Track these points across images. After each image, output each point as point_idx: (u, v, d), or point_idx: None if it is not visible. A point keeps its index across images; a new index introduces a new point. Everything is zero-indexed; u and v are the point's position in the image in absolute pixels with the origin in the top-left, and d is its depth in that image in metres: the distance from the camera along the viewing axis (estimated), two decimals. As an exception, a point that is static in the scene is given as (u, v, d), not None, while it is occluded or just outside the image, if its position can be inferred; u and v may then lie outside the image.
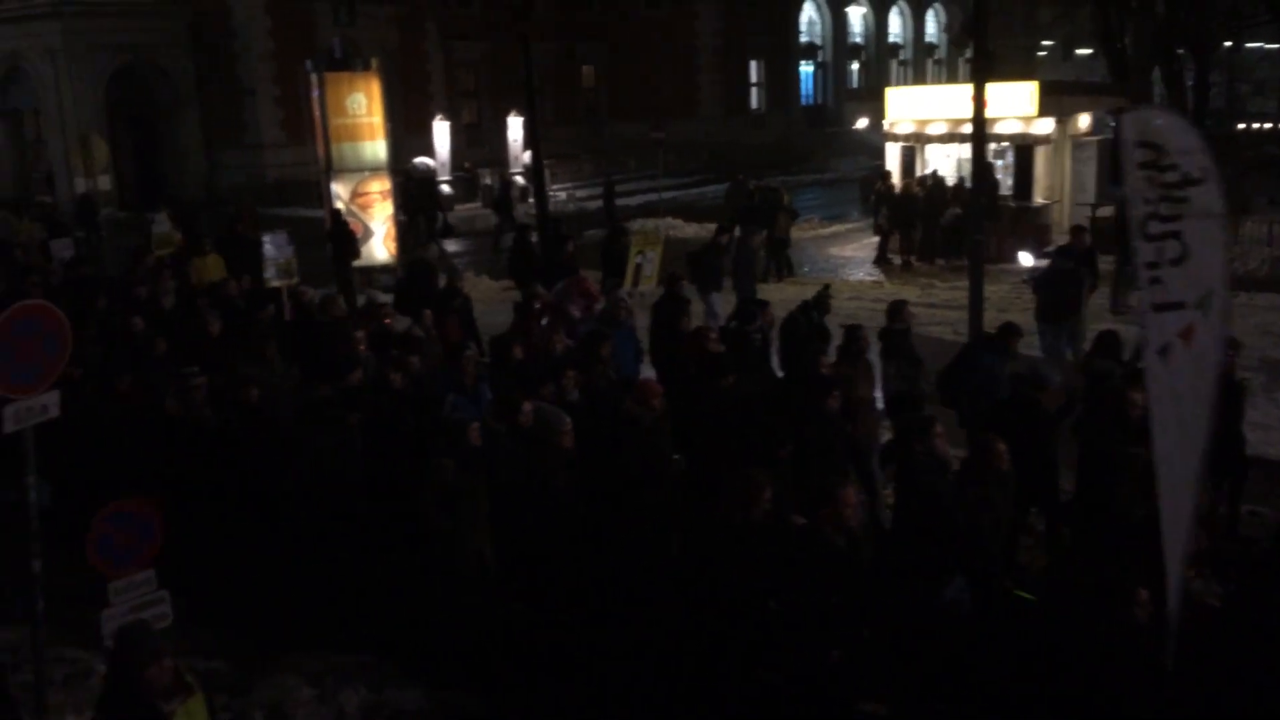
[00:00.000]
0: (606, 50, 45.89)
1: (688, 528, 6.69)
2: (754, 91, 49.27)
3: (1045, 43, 52.12)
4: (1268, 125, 41.81)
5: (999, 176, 21.91)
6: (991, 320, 13.26)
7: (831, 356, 9.28)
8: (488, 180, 32.87)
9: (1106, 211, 21.16)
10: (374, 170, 19.82)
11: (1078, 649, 4.85)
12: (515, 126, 33.16)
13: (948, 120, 22.77)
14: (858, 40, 53.74)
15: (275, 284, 14.36)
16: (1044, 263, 15.26)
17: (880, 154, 25.75)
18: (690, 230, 25.75)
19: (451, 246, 25.67)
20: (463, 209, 30.96)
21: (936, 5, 56.71)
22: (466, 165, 34.18)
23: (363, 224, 19.35)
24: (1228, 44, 34.01)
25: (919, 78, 53.96)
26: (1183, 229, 4.66)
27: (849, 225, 27.68)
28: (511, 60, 24.78)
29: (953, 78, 50.93)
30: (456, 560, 6.48)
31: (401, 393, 8.31)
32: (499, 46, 36.36)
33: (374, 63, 20.34)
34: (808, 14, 50.96)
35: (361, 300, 14.46)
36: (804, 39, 50.93)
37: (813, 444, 7.25)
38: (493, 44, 38.27)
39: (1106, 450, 6.90)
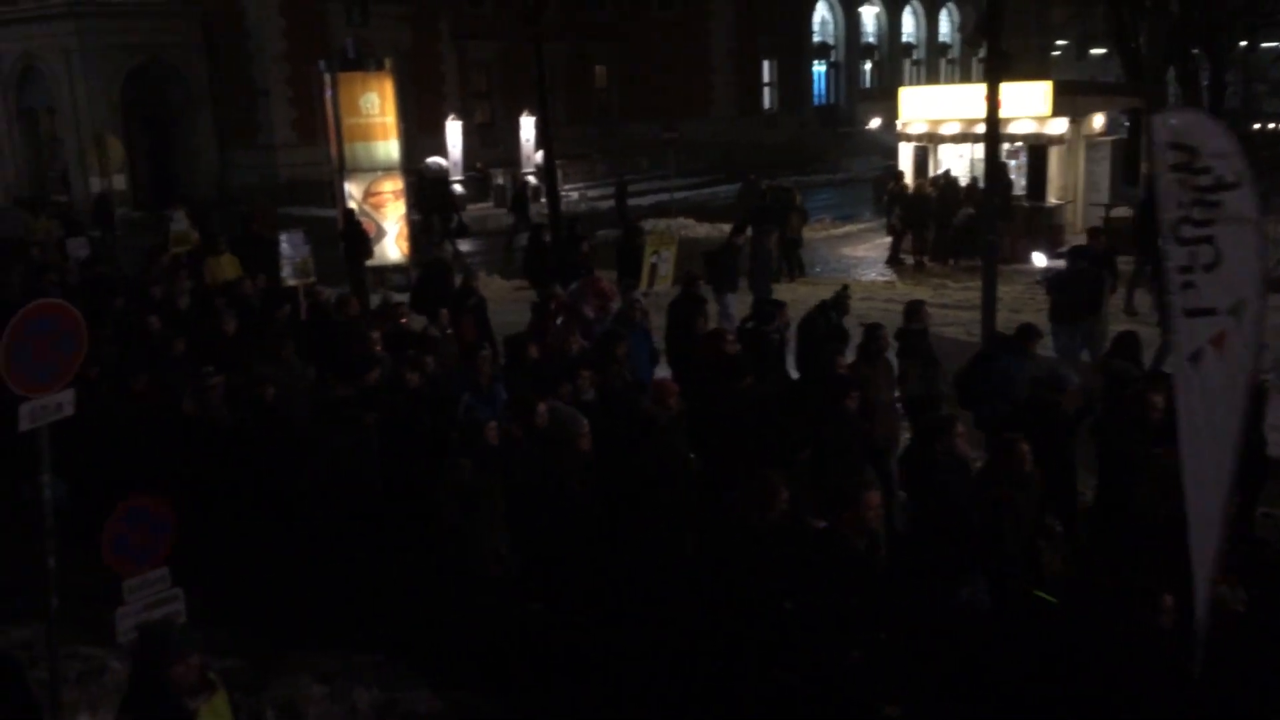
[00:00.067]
0: (619, 50, 45.87)
1: (703, 528, 6.66)
2: (766, 91, 49.19)
3: (1059, 42, 52.00)
4: (1284, 125, 41.55)
5: (1013, 176, 21.83)
6: (1004, 321, 13.21)
7: (849, 357, 9.23)
8: (500, 180, 32.90)
9: (1121, 212, 21.11)
10: (387, 170, 19.86)
11: (1100, 654, 4.81)
12: (528, 126, 33.16)
13: (961, 120, 22.71)
14: (871, 40, 53.63)
15: (291, 283, 14.39)
16: (1058, 263, 15.19)
17: (893, 154, 25.72)
18: (702, 230, 25.73)
19: (464, 246, 25.68)
20: (475, 209, 30.99)
21: (950, 5, 56.57)
22: (479, 165, 34.20)
23: (375, 223, 19.39)
24: (1243, 43, 33.82)
25: (932, 77, 53.83)
26: (1216, 234, 4.60)
27: (861, 225, 27.62)
28: (524, 60, 24.81)
29: (966, 77, 50.79)
30: (472, 560, 6.47)
31: (418, 392, 8.31)
32: (511, 47, 36.37)
33: (387, 63, 20.37)
34: (821, 14, 50.88)
35: (377, 300, 14.47)
36: (817, 39, 50.85)
37: (830, 444, 7.21)
38: (505, 44, 38.28)
39: (1126, 452, 6.85)
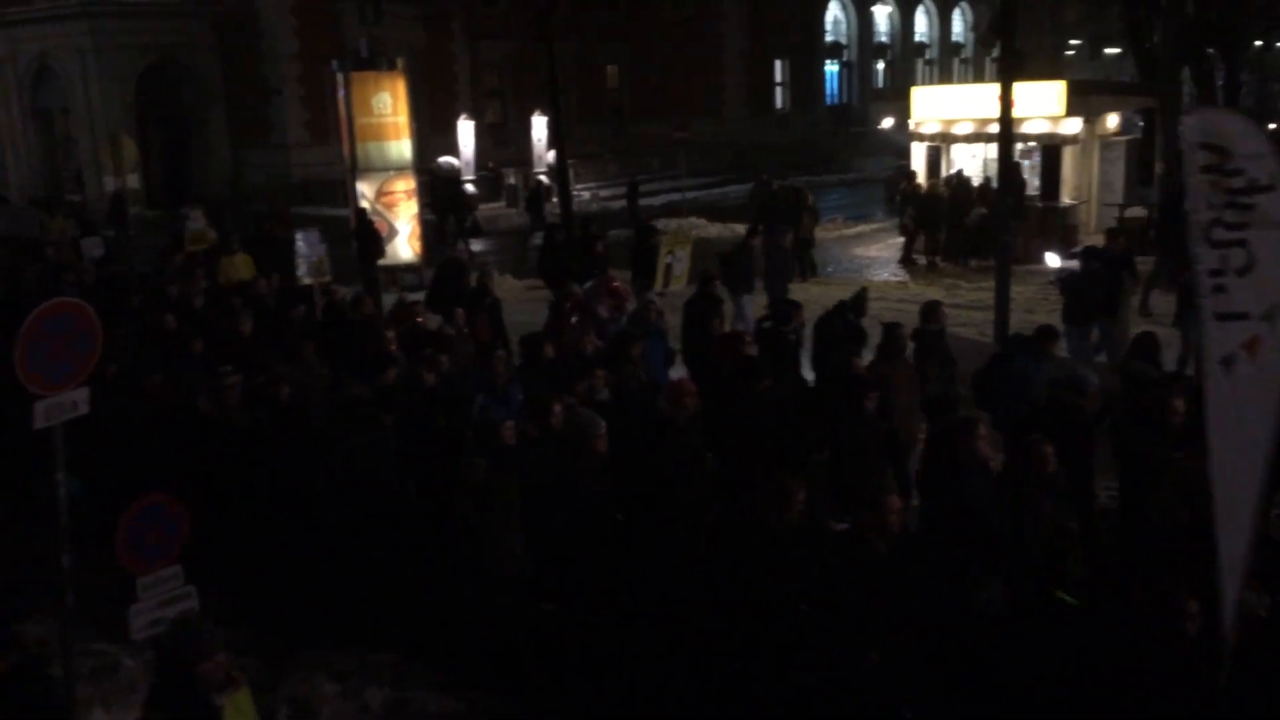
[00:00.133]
0: (630, 50, 45.87)
1: (718, 529, 6.64)
2: (778, 91, 49.12)
3: (1073, 42, 51.82)
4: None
5: (1026, 177, 21.74)
6: (1017, 322, 13.16)
7: (867, 358, 9.17)
8: (511, 180, 32.92)
9: (1136, 212, 21.01)
10: (399, 169, 19.90)
11: (1122, 659, 4.76)
12: (539, 126, 33.21)
13: (974, 120, 22.62)
14: (883, 39, 53.51)
15: (307, 281, 14.41)
16: (1071, 264, 15.11)
17: (905, 154, 25.64)
18: (714, 230, 25.70)
19: (476, 246, 25.70)
20: (487, 209, 31.02)
21: (963, 4, 56.43)
22: (490, 165, 34.24)
23: (388, 223, 19.43)
24: (1259, 43, 33.65)
25: (945, 77, 53.72)
26: (1249, 237, 4.50)
27: (874, 225, 27.56)
28: (536, 60, 24.85)
29: (979, 77, 50.69)
30: (488, 559, 6.45)
31: (433, 391, 8.31)
32: (523, 46, 36.39)
33: (399, 62, 20.48)
34: (833, 13, 50.79)
35: (393, 299, 14.48)
36: (829, 38, 50.76)
37: (847, 445, 7.17)
38: (517, 44, 38.32)
39: (1145, 455, 6.80)
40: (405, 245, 20.02)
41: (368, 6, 27.72)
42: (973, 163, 23.01)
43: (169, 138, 35.57)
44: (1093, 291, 12.51)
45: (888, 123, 28.62)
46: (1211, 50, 25.79)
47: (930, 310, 9.84)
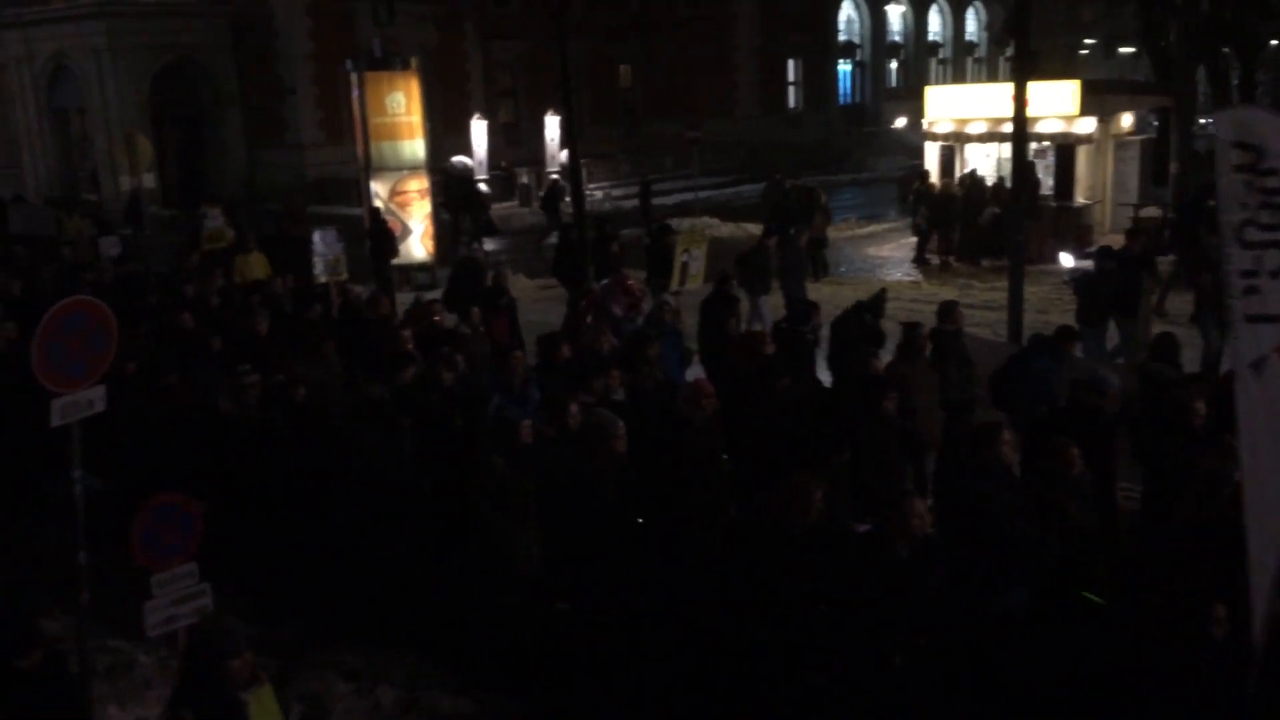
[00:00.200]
0: (643, 49, 45.83)
1: (734, 530, 6.61)
2: (791, 90, 49.01)
3: (1087, 41, 51.51)
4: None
5: (1040, 176, 21.64)
6: (1031, 322, 13.08)
7: (885, 359, 9.12)
8: (524, 179, 32.93)
9: (1150, 212, 20.88)
10: (412, 169, 19.95)
11: (1148, 664, 4.71)
12: (552, 126, 33.18)
13: (988, 119, 22.53)
14: (897, 39, 53.34)
15: (323, 280, 14.43)
16: (1085, 264, 15.03)
17: (919, 153, 25.55)
18: (726, 230, 25.65)
19: (490, 245, 25.72)
20: (500, 208, 31.04)
21: (977, 3, 56.22)
22: (503, 164, 34.27)
23: (401, 222, 19.46)
24: (1274, 42, 33.41)
25: (958, 76, 53.49)
26: None
27: (887, 225, 27.46)
28: (549, 60, 24.78)
29: (993, 76, 50.46)
30: (504, 559, 6.44)
31: (450, 390, 8.30)
32: (537, 46, 36.40)
33: (413, 62, 20.44)
34: (846, 12, 50.65)
35: (407, 298, 14.50)
36: (842, 38, 50.62)
37: (866, 446, 7.13)
38: (530, 44, 38.34)
39: (1164, 456, 6.74)
40: (418, 244, 20.05)
41: (381, 7, 27.75)
42: (986, 162, 22.91)
43: (184, 137, 35.70)
44: (1106, 292, 12.44)
45: (901, 122, 28.56)
46: (1227, 49, 25.63)
47: (948, 310, 9.79)
